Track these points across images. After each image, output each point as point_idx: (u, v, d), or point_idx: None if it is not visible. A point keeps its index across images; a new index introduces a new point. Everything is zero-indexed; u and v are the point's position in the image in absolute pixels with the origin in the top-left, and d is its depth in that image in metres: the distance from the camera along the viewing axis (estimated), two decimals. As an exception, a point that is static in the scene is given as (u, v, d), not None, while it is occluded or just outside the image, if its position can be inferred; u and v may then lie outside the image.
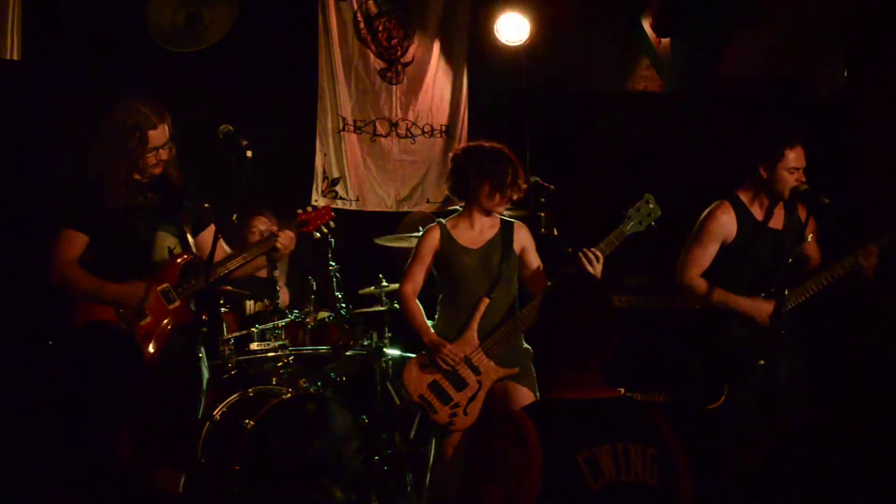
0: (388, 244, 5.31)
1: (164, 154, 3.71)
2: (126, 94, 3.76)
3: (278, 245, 3.82)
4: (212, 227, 3.91)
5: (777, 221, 4.21)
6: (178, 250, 3.78)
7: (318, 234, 3.99)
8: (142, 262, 3.72)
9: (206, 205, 3.92)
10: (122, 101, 3.72)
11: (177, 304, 3.70)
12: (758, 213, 4.20)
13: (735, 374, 4.10)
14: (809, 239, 4.13)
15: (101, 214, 3.66)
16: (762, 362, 4.06)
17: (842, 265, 4.08)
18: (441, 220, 4.22)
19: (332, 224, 3.98)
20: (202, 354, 3.87)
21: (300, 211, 3.98)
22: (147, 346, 3.60)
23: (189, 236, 3.85)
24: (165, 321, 3.67)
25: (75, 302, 3.66)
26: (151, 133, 3.66)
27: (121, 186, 3.67)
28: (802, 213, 4.19)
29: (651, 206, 3.96)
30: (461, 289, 4.09)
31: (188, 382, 3.74)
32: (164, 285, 3.70)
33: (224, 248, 3.89)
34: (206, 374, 3.87)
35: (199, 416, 3.91)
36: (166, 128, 3.71)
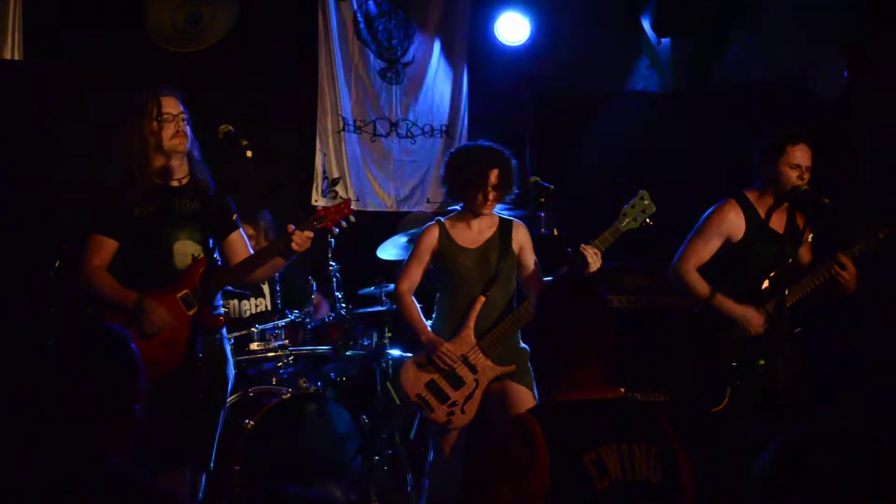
0: (391, 257, 5.28)
1: (182, 125, 3.70)
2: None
3: (293, 246, 3.69)
4: (238, 231, 3.89)
5: (779, 224, 4.21)
6: (200, 257, 3.73)
7: (336, 230, 3.83)
8: (164, 269, 3.68)
9: (235, 215, 3.88)
10: (132, 96, 3.75)
11: (195, 309, 3.64)
12: (763, 213, 4.20)
13: (736, 376, 4.09)
14: (808, 240, 4.13)
15: (128, 220, 3.65)
16: (762, 362, 4.07)
17: (819, 274, 4.08)
18: (440, 218, 4.23)
19: (352, 219, 3.82)
20: (228, 357, 3.84)
21: (320, 207, 3.92)
22: (168, 353, 3.55)
23: (213, 241, 3.79)
24: (186, 328, 3.59)
25: (104, 308, 3.64)
26: (164, 98, 3.68)
27: (150, 171, 3.66)
28: (801, 221, 4.19)
29: (646, 202, 3.97)
30: (459, 288, 4.10)
31: (214, 387, 3.71)
32: (184, 292, 3.65)
33: (249, 250, 3.87)
34: (231, 376, 3.85)
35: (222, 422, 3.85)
36: (177, 101, 3.73)
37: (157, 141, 3.67)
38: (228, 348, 3.87)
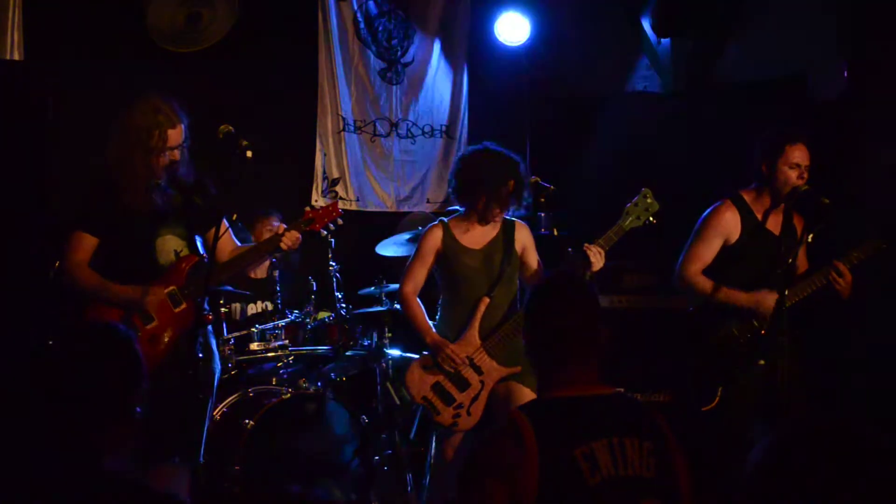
0: (389, 254, 5.28)
1: (177, 154, 3.70)
2: (144, 93, 3.76)
3: (282, 245, 3.73)
4: (223, 226, 3.88)
5: (775, 226, 4.20)
6: (184, 252, 3.75)
7: (325, 232, 3.87)
8: (147, 265, 3.70)
9: (235, 214, 3.93)
10: (141, 99, 3.72)
11: (183, 306, 3.66)
12: (759, 214, 4.20)
13: (729, 375, 4.08)
14: (809, 239, 4.12)
15: (110, 217, 3.66)
16: (762, 362, 4.06)
17: (816, 280, 4.07)
18: (443, 219, 4.22)
19: (339, 221, 3.86)
20: (214, 351, 3.85)
21: (308, 209, 3.93)
22: (152, 349, 3.57)
23: (198, 237, 3.82)
24: (172, 324, 3.64)
25: (86, 303, 3.66)
26: (171, 132, 3.67)
27: (140, 185, 3.67)
28: (798, 223, 4.19)
29: (649, 200, 3.97)
30: (462, 289, 4.09)
31: (197, 383, 3.72)
32: (171, 288, 3.67)
33: (236, 245, 3.88)
34: (218, 371, 3.86)
35: (210, 416, 3.86)
36: (183, 129, 3.72)
37: (150, 162, 3.68)
38: (214, 343, 3.89)
